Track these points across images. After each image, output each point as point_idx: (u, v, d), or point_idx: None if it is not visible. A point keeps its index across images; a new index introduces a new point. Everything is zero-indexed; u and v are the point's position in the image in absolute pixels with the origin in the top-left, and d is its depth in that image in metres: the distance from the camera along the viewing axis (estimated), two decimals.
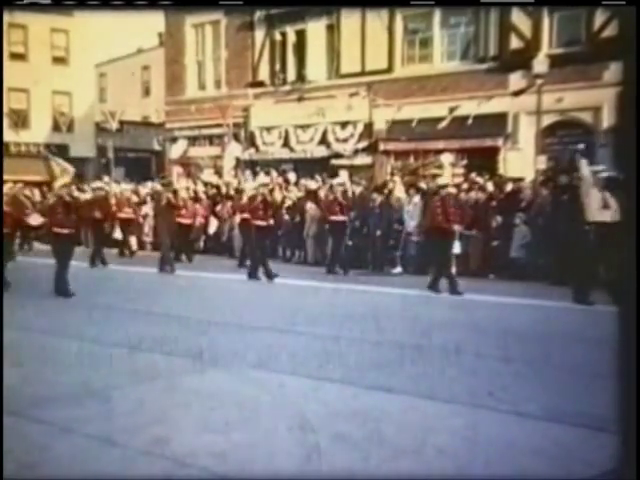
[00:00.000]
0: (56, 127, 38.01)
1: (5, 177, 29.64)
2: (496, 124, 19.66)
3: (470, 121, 19.56)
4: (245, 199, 15.27)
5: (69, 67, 37.48)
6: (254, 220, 14.12)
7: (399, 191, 16.68)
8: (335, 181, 16.12)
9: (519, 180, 16.10)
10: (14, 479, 4.22)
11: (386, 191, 16.66)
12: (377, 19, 21.56)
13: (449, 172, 18.54)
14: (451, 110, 19.80)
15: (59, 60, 37.57)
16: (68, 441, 4.91)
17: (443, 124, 19.83)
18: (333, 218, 15.06)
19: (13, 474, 4.36)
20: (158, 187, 18.07)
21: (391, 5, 20.42)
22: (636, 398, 2.41)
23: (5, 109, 36.08)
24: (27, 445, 4.85)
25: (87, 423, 5.24)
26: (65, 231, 11.83)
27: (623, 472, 2.54)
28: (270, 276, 13.87)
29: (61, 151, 36.96)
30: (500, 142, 19.73)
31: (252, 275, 14.07)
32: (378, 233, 15.98)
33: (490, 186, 15.83)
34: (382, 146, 21.78)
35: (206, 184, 22.05)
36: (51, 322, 9.64)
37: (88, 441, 4.89)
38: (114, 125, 32.88)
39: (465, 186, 16.09)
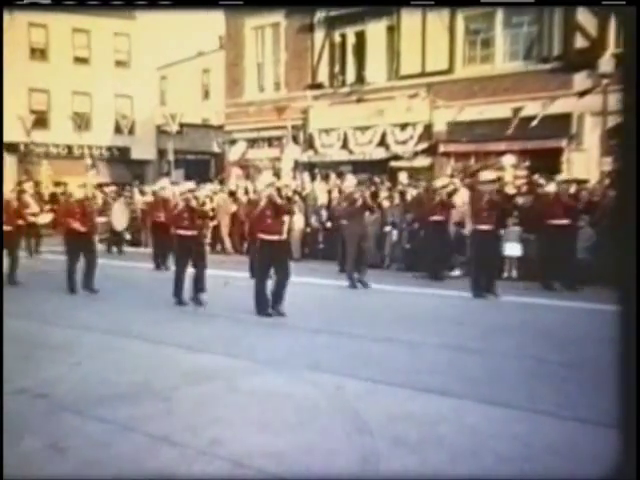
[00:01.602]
0: (118, 130, 38.58)
1: (71, 179, 30.44)
2: (560, 125, 19.23)
3: (536, 122, 19.16)
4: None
5: (131, 70, 38.03)
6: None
7: (459, 194, 16.39)
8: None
9: (583, 182, 15.71)
10: (14, 479, 4.23)
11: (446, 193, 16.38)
12: (438, 19, 21.33)
13: (511, 174, 18.22)
14: (516, 111, 19.42)
15: (121, 64, 38.16)
16: (129, 439, 4.96)
17: (511, 127, 19.46)
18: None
19: (76, 471, 4.38)
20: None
21: (391, 5, 20.23)
22: None
23: (69, 112, 36.82)
24: (89, 443, 4.92)
25: (147, 422, 5.30)
26: (188, 233, 11.19)
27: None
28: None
29: (122, 154, 37.68)
30: (564, 143, 19.30)
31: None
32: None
33: (552, 187, 15.46)
34: (442, 148, 21.52)
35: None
36: (113, 322, 9.73)
37: (148, 440, 4.94)
38: (174, 127, 33.23)
39: (524, 188, 15.81)
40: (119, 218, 21.20)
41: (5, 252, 13.17)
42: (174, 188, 20.04)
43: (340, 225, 14.90)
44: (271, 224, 10.05)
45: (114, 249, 21.02)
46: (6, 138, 34.78)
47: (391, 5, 21.26)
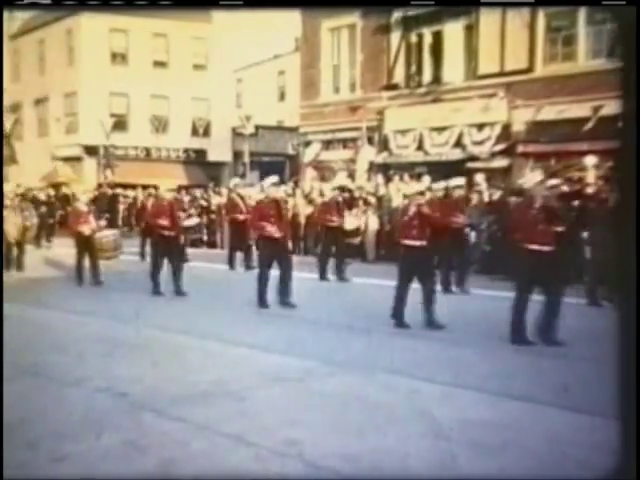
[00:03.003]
0: (194, 132, 39.12)
1: (145, 181, 31.00)
2: None
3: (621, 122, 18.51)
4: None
5: (208, 73, 38.52)
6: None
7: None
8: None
9: None
10: (14, 479, 4.24)
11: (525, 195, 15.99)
12: (517, 18, 20.89)
13: (593, 175, 17.67)
14: (596, 110, 18.85)
15: (198, 67, 38.69)
16: (204, 439, 4.99)
17: (588, 125, 18.91)
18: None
19: (154, 469, 4.38)
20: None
21: (391, 5, 19.83)
22: None
23: (147, 115, 37.52)
24: (167, 441, 4.96)
25: (222, 422, 5.32)
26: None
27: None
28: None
29: (199, 156, 38.22)
30: None
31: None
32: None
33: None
34: (521, 148, 21.07)
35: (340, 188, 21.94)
36: (189, 322, 9.78)
37: (223, 439, 4.96)
38: (250, 129, 33.52)
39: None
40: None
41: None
42: (251, 189, 20.17)
43: None
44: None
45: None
46: (86, 141, 35.77)
47: (391, 5, 20.84)
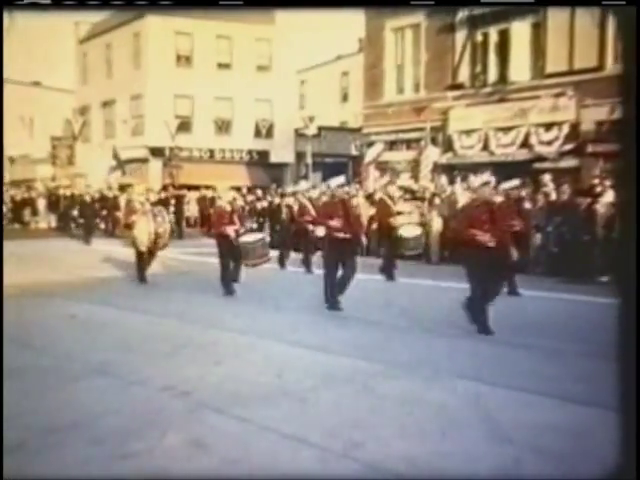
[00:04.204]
0: (257, 133, 39.34)
1: (209, 182, 31.34)
2: None
3: None
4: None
5: (271, 75, 38.71)
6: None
7: (608, 195, 15.57)
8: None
9: None
10: (14, 479, 4.23)
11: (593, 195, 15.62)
12: (587, 15, 20.39)
13: None
14: None
15: (262, 68, 38.91)
16: (266, 439, 4.99)
17: None
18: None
19: (217, 469, 4.38)
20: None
21: (391, 5, 19.39)
22: None
23: (211, 117, 37.90)
24: (229, 441, 4.96)
25: (284, 423, 5.31)
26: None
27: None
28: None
29: (262, 157, 38.45)
30: None
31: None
32: (585, 239, 15.01)
33: None
34: (590, 148, 20.57)
35: (404, 189, 21.80)
36: (250, 323, 9.78)
37: (285, 440, 4.96)
38: (312, 130, 33.55)
39: None
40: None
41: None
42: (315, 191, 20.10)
43: None
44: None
45: None
46: (152, 143, 36.31)
47: (390, 5, 20.44)
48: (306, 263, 16.08)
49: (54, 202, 29.44)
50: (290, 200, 18.42)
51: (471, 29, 24.11)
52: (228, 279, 12.23)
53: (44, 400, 5.87)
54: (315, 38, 39.78)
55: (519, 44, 22.88)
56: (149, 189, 19.52)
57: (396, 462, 4.53)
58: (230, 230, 12.25)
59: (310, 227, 15.32)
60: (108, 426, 5.17)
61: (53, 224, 29.50)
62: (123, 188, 29.77)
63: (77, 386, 6.32)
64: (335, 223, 10.51)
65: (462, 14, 23.91)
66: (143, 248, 13.41)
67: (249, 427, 5.21)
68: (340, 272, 10.65)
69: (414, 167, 25.56)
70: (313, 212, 15.66)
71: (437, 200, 18.90)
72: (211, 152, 38.04)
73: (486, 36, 24.01)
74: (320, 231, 11.40)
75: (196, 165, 35.94)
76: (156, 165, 36.78)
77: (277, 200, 23.16)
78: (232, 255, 12.37)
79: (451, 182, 21.86)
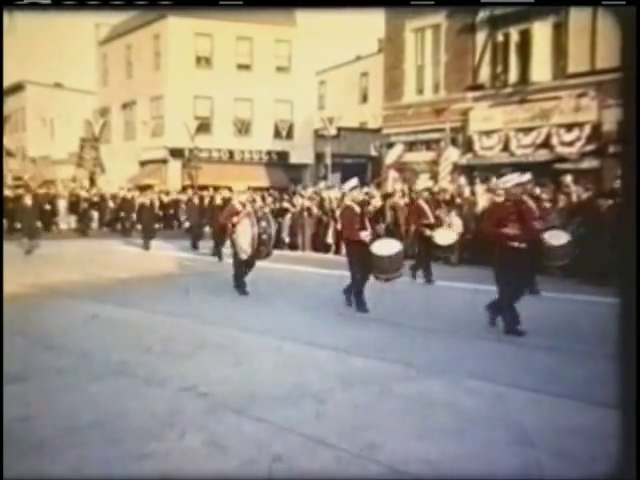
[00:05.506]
0: (277, 134, 39.36)
1: (228, 183, 31.33)
2: None
3: None
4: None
5: (291, 76, 38.71)
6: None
7: None
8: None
9: None
10: (14, 479, 4.24)
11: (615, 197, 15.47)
12: (609, 15, 20.21)
13: None
14: None
15: (282, 69, 38.92)
16: (285, 440, 4.98)
17: None
18: None
19: (235, 469, 4.45)
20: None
21: (391, 5, 19.23)
22: None
23: (231, 118, 37.95)
24: (248, 442, 4.94)
25: (302, 424, 5.32)
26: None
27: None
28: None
29: (281, 158, 38.48)
30: None
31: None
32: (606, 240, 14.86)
33: None
34: (612, 149, 20.39)
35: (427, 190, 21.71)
36: (270, 324, 9.74)
37: (304, 441, 4.96)
38: (332, 131, 33.52)
39: None
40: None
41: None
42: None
43: None
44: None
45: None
46: (172, 144, 36.43)
47: (390, 6, 20.29)
48: (427, 271, 14.37)
49: (74, 203, 29.50)
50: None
51: (492, 29, 23.99)
52: (361, 297, 10.70)
53: (64, 400, 5.88)
54: (335, 39, 39.81)
55: (540, 44, 22.73)
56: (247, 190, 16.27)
57: (415, 464, 4.53)
58: (364, 236, 10.58)
59: (427, 232, 14.31)
60: (127, 426, 5.18)
61: (73, 225, 29.53)
62: (142, 189, 29.96)
63: (97, 386, 6.32)
64: (510, 230, 9.08)
65: (483, 14, 23.80)
66: (244, 256, 11.83)
67: (268, 428, 5.21)
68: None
69: (433, 168, 25.44)
70: (430, 214, 14.60)
71: (458, 200, 18.81)
72: (230, 153, 38.09)
73: (507, 36, 23.86)
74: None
75: (215, 166, 36.02)
76: (175, 166, 36.91)
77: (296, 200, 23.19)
78: (364, 266, 10.61)
79: (471, 183, 21.77)
